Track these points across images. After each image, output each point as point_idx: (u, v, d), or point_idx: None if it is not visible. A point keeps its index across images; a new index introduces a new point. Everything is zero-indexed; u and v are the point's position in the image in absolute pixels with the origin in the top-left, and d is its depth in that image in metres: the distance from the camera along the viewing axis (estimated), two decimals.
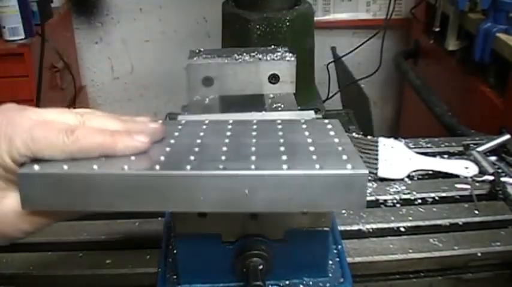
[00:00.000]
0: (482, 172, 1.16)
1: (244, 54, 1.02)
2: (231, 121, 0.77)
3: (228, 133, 0.74)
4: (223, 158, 0.65)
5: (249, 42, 1.59)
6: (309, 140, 0.70)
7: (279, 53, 1.02)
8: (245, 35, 1.61)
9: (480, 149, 1.23)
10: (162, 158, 0.66)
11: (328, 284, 0.83)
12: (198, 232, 0.78)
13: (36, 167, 0.63)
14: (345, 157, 0.64)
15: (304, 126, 0.76)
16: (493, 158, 1.22)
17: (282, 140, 0.70)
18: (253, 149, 0.68)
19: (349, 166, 0.62)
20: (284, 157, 0.64)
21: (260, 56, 1.01)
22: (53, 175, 0.63)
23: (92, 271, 0.92)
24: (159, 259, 0.89)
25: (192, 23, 2.93)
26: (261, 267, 0.78)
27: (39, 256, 0.95)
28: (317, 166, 0.62)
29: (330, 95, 2.54)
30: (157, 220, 1.00)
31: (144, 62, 3.01)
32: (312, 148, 0.67)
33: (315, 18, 1.76)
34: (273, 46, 1.07)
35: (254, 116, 0.87)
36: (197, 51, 1.03)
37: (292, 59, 1.00)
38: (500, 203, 1.08)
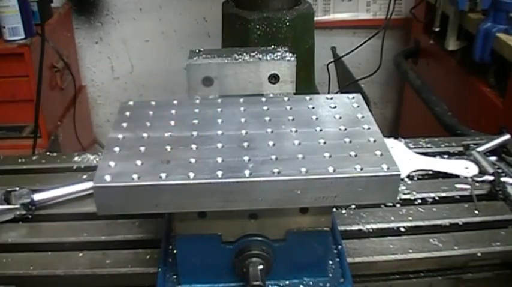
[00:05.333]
0: (482, 172, 1.16)
1: (244, 54, 1.02)
2: (265, 107, 0.87)
3: (267, 119, 0.83)
4: (273, 157, 0.73)
5: (249, 42, 1.59)
6: (342, 128, 0.80)
7: (279, 53, 1.02)
8: (245, 35, 1.61)
9: (480, 149, 1.23)
10: (219, 159, 0.72)
11: (328, 284, 0.83)
12: (198, 232, 0.78)
13: (107, 177, 0.69)
14: (378, 153, 0.73)
15: (333, 106, 0.87)
16: (493, 158, 1.22)
17: (318, 128, 0.80)
18: (296, 142, 0.76)
19: (384, 166, 0.71)
20: (327, 154, 0.73)
21: (260, 56, 1.01)
22: (124, 186, 0.69)
23: (92, 271, 0.92)
24: (159, 259, 0.89)
25: (192, 23, 2.92)
26: (261, 267, 0.78)
27: (39, 256, 0.95)
28: (357, 167, 0.70)
29: None
30: (157, 220, 1.00)
31: (144, 62, 3.01)
32: (347, 140, 0.77)
33: (315, 18, 1.76)
34: (273, 46, 1.07)
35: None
36: (197, 51, 1.03)
37: (292, 59, 1.00)
38: (500, 203, 1.08)
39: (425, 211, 1.05)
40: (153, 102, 0.89)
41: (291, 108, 0.87)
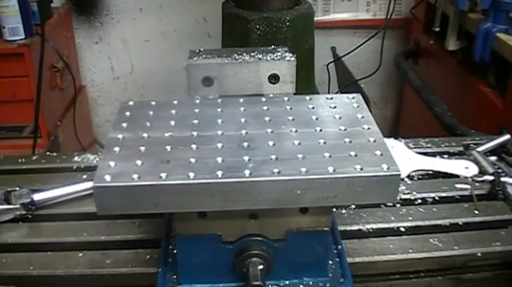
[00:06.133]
0: (482, 172, 1.16)
1: (244, 54, 1.02)
2: (265, 107, 0.88)
3: (267, 119, 0.83)
4: (273, 157, 0.73)
5: (249, 42, 1.59)
6: (342, 128, 0.80)
7: (279, 53, 1.02)
8: (245, 35, 1.61)
9: (480, 149, 1.23)
10: (219, 159, 0.72)
11: (328, 284, 0.83)
12: (198, 232, 0.78)
13: (107, 177, 0.69)
14: (378, 153, 0.73)
15: (333, 106, 0.87)
16: (493, 158, 1.22)
17: (318, 128, 0.80)
18: (296, 142, 0.76)
19: (384, 166, 0.71)
20: (327, 154, 0.73)
21: (260, 56, 1.01)
22: (124, 186, 0.69)
23: (92, 271, 0.92)
24: (159, 259, 0.89)
25: (192, 23, 2.92)
26: (261, 267, 0.78)
27: (39, 256, 0.95)
28: (357, 167, 0.70)
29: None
30: (157, 220, 1.00)
31: (144, 62, 3.01)
32: (347, 140, 0.77)
33: (315, 18, 1.76)
34: (273, 46, 1.07)
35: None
36: (197, 51, 1.03)
37: (292, 59, 1.00)
38: (500, 203, 1.08)
39: (425, 211, 1.05)
40: (153, 102, 0.89)
41: (291, 108, 0.87)
